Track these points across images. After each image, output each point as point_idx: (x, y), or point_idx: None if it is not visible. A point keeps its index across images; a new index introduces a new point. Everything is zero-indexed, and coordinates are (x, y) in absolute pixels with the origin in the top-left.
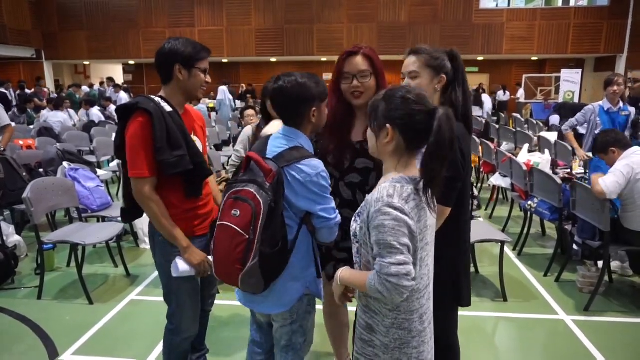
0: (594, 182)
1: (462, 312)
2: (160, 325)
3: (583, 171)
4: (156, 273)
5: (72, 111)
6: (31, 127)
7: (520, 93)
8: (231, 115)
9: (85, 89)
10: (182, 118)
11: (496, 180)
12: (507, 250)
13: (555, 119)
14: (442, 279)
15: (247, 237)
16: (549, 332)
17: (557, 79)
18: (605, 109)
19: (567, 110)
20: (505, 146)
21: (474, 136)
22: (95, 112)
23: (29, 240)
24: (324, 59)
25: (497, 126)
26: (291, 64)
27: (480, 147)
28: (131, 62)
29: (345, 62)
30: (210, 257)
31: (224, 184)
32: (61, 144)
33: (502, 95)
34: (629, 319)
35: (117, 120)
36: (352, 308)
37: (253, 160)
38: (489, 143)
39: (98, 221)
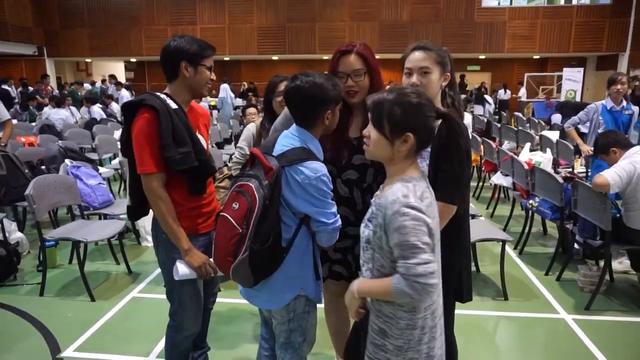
0: (596, 176)
1: (462, 311)
2: (162, 322)
3: (585, 170)
4: (158, 271)
5: (74, 108)
6: (33, 124)
7: (522, 92)
8: (232, 113)
9: (87, 86)
10: (187, 115)
11: (497, 179)
12: (508, 249)
13: (557, 118)
14: (444, 278)
15: (240, 230)
16: (550, 331)
17: (559, 78)
18: (608, 107)
19: (569, 109)
20: (506, 145)
21: (475, 135)
22: (97, 110)
23: (31, 237)
24: (325, 57)
25: (499, 125)
26: (293, 62)
27: (481, 146)
28: (133, 59)
29: (339, 61)
30: (212, 259)
31: (227, 180)
32: (63, 141)
33: (503, 94)
34: (630, 318)
35: (121, 118)
36: None
37: (255, 156)
38: (491, 142)
39: (100, 218)
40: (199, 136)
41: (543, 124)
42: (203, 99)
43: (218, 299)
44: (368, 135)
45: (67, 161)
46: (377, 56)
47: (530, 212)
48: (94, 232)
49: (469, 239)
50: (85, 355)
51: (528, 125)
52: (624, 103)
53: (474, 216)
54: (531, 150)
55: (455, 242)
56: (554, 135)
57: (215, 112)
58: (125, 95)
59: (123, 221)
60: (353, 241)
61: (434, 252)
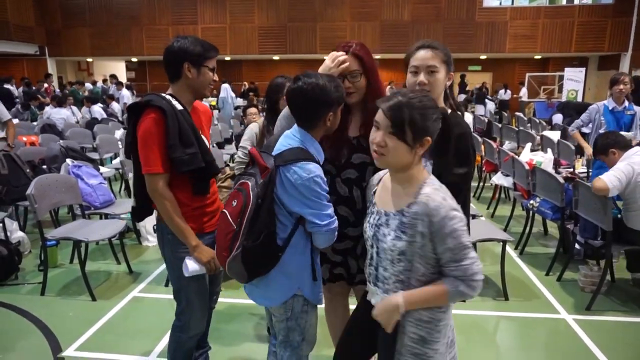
0: (595, 180)
1: (463, 311)
2: (163, 322)
3: (586, 170)
4: (158, 270)
5: (75, 108)
6: (34, 123)
7: (523, 92)
8: (233, 113)
9: (88, 86)
10: (191, 116)
11: (498, 179)
12: (509, 249)
13: (558, 118)
14: None
15: (234, 227)
16: (551, 331)
17: (561, 78)
18: (610, 108)
19: (571, 109)
20: (507, 145)
21: (476, 135)
22: (97, 109)
23: (32, 236)
24: (326, 57)
25: (500, 125)
26: (294, 62)
27: (482, 146)
28: (134, 59)
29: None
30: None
31: (229, 180)
32: (64, 140)
33: (504, 94)
34: (631, 318)
35: (122, 117)
36: (352, 306)
37: (252, 155)
38: (492, 142)
39: (101, 218)
40: (203, 137)
41: (544, 124)
42: (203, 99)
43: (218, 299)
44: (382, 144)
45: (68, 161)
46: (378, 56)
47: (531, 212)
48: (95, 232)
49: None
50: (86, 354)
51: (529, 125)
52: (626, 103)
53: (474, 216)
54: (532, 150)
55: None
56: (555, 136)
57: (215, 112)
58: (126, 94)
59: (124, 221)
60: (353, 243)
61: None
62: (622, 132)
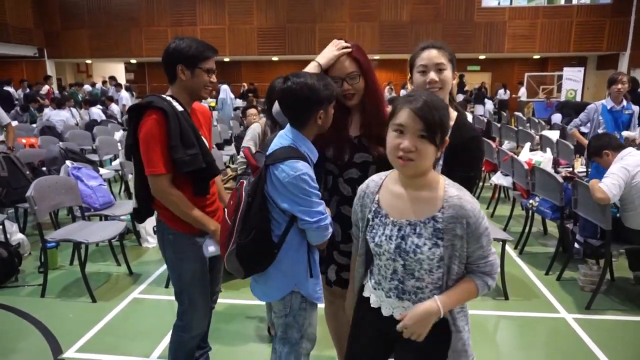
0: (595, 189)
1: None
2: (163, 323)
3: (585, 170)
4: (158, 271)
5: (74, 110)
6: (34, 125)
7: (522, 91)
8: (232, 114)
9: (87, 87)
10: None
11: (498, 179)
12: (509, 248)
13: (557, 118)
14: None
15: (229, 224)
16: (550, 331)
17: (559, 78)
18: (608, 107)
19: (569, 108)
20: (506, 145)
21: None
22: (96, 111)
23: (32, 238)
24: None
25: (499, 125)
26: (293, 63)
27: None
28: (133, 60)
29: (332, 66)
30: None
31: (231, 181)
32: (64, 142)
33: (503, 94)
34: (630, 317)
35: (121, 119)
36: None
37: (245, 156)
38: (491, 142)
39: (101, 220)
40: (203, 138)
41: (543, 123)
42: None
43: (218, 299)
44: (412, 149)
45: (67, 162)
46: (377, 56)
47: (530, 211)
48: (95, 233)
49: None
50: (87, 356)
51: (528, 125)
52: (624, 103)
53: None
54: (531, 150)
55: None
56: (554, 135)
57: (215, 113)
58: (125, 96)
59: (124, 222)
60: None
61: None
62: (625, 132)
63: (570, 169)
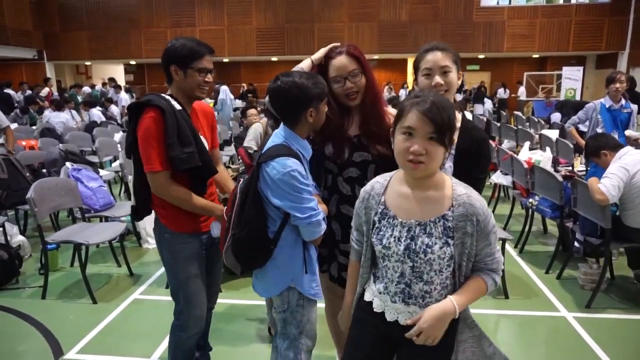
0: (594, 190)
1: None
2: (164, 324)
3: (584, 168)
4: (159, 272)
5: (74, 112)
6: (33, 127)
7: (521, 91)
8: (232, 114)
9: (86, 89)
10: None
11: (497, 178)
12: (509, 247)
13: (556, 117)
14: None
15: (227, 221)
16: (551, 329)
17: (559, 77)
18: (607, 106)
19: (569, 107)
20: (506, 144)
21: None
22: (96, 112)
23: (32, 240)
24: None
25: (498, 124)
26: (292, 63)
27: None
28: (132, 62)
29: (329, 67)
30: None
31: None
32: (64, 144)
33: (503, 93)
34: (631, 316)
35: (121, 120)
36: None
37: (239, 155)
38: (490, 141)
39: (101, 221)
40: (202, 137)
41: (543, 122)
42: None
43: (218, 299)
44: (422, 152)
45: (67, 164)
46: (376, 56)
47: (530, 210)
48: (95, 235)
49: None
50: (88, 357)
51: (528, 124)
52: (623, 101)
53: None
54: (531, 149)
55: None
56: (553, 134)
57: (214, 113)
58: (125, 97)
59: (124, 223)
60: None
61: None
62: (627, 131)
63: (570, 168)
